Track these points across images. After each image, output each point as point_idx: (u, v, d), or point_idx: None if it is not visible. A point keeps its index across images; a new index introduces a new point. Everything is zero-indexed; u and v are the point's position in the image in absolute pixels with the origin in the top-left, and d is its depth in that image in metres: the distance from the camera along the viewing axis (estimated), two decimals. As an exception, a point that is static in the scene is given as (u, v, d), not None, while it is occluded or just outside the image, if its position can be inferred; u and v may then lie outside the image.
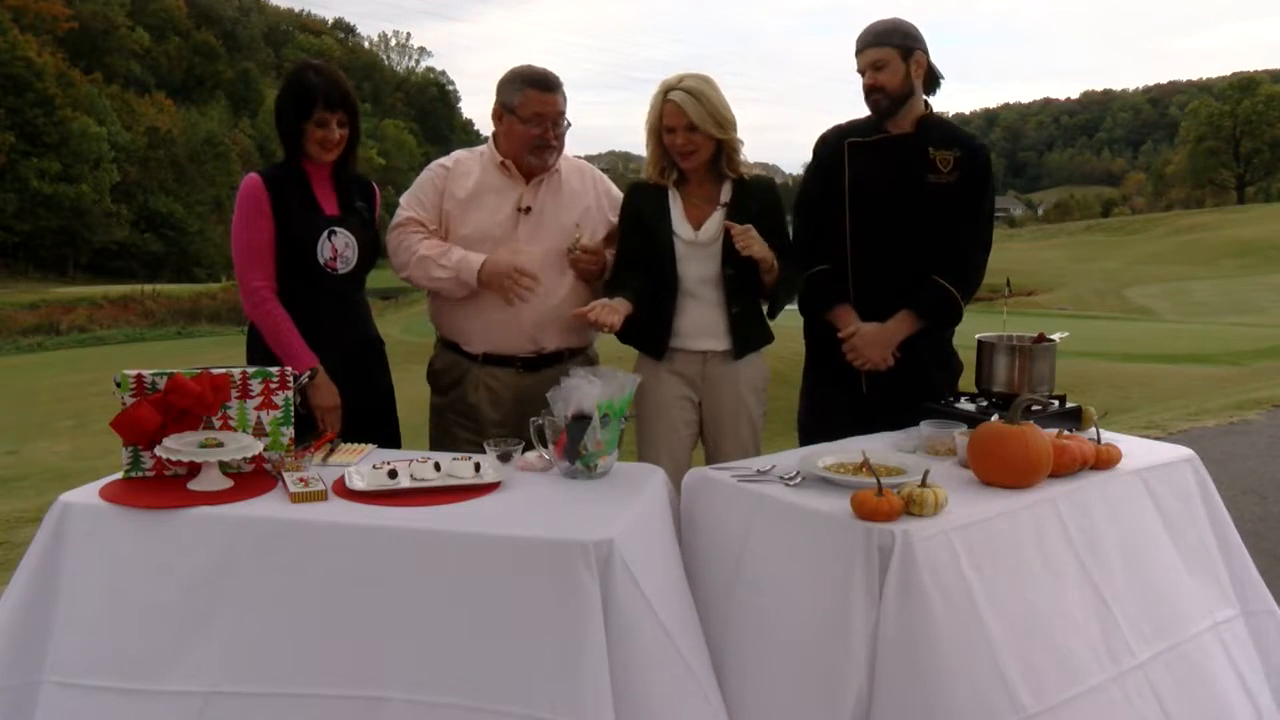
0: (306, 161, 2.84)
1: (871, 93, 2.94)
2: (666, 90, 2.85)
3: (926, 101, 3.02)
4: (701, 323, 2.93)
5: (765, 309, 3.07)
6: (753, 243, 2.78)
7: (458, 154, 3.10)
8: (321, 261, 2.83)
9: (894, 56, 2.90)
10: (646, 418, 2.96)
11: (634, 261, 2.94)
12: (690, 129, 2.82)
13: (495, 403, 2.97)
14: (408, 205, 3.01)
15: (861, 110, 3.04)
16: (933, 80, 3.01)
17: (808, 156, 3.17)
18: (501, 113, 2.95)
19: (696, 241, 2.91)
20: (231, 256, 2.88)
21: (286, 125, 2.81)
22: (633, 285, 2.87)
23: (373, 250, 2.95)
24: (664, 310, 2.92)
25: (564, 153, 3.04)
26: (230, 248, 2.90)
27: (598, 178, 3.17)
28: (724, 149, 2.91)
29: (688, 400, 2.98)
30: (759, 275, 2.90)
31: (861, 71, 2.96)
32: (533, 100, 2.88)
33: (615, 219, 3.08)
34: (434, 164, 3.08)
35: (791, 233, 3.13)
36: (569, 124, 2.96)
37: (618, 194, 3.14)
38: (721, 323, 2.94)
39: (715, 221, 2.92)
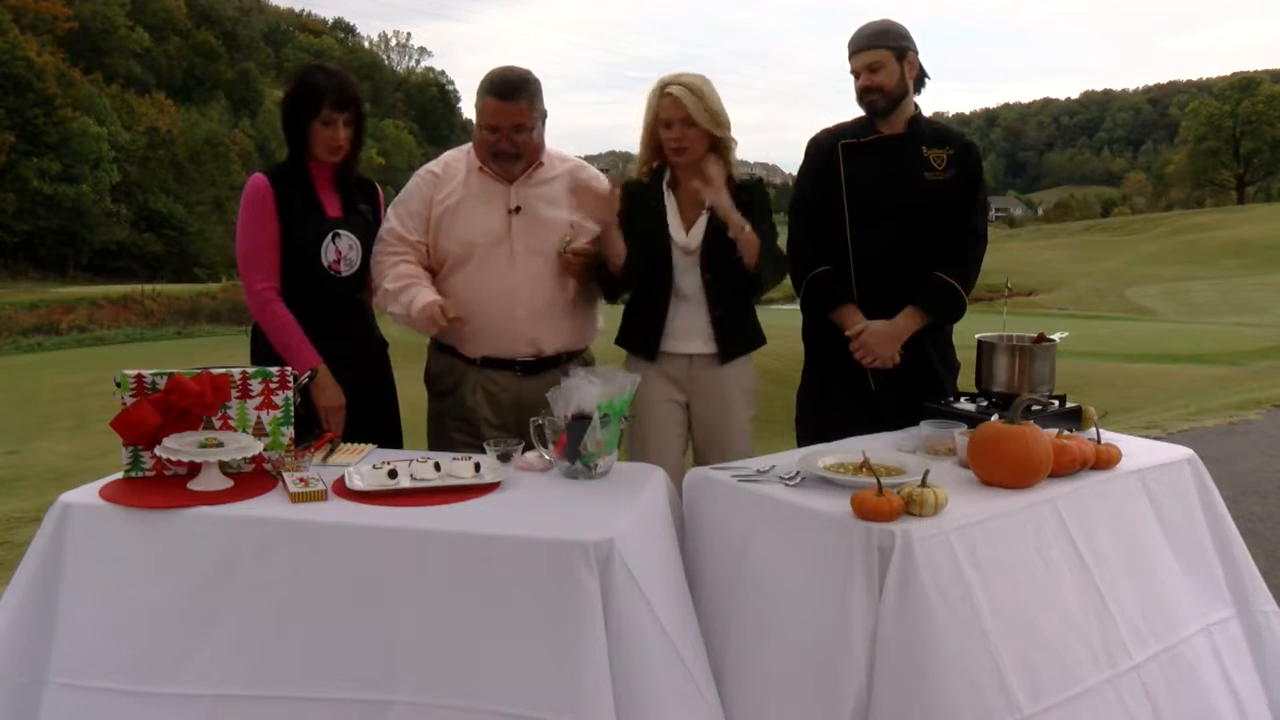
0: (311, 162, 2.85)
1: (868, 93, 2.96)
2: (664, 85, 2.85)
3: (915, 103, 3.04)
4: (689, 325, 2.94)
5: (753, 291, 2.99)
6: (720, 195, 2.74)
7: (447, 157, 3.05)
8: (325, 264, 2.83)
9: (889, 58, 2.93)
10: (637, 419, 2.93)
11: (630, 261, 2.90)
12: (686, 123, 2.82)
13: (494, 406, 2.96)
14: (393, 215, 2.96)
15: (859, 110, 3.05)
16: (920, 80, 3.04)
17: (805, 156, 3.17)
18: (476, 116, 2.93)
19: (687, 246, 2.91)
20: (235, 257, 2.88)
21: (292, 123, 2.82)
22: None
23: None
24: (657, 312, 2.92)
25: (563, 153, 3.04)
26: (233, 248, 2.90)
27: (594, 177, 3.15)
28: (718, 147, 2.90)
29: (675, 403, 2.98)
30: (741, 270, 2.86)
31: (855, 73, 2.98)
32: (489, 108, 2.83)
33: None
34: (423, 170, 3.03)
35: (787, 236, 3.14)
36: (536, 129, 2.88)
37: None
38: (706, 326, 2.94)
39: (701, 227, 2.92)
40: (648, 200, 2.94)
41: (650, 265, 2.90)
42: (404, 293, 2.84)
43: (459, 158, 3.02)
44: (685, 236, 2.91)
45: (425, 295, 2.81)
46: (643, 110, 2.94)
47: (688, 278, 2.92)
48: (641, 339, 2.95)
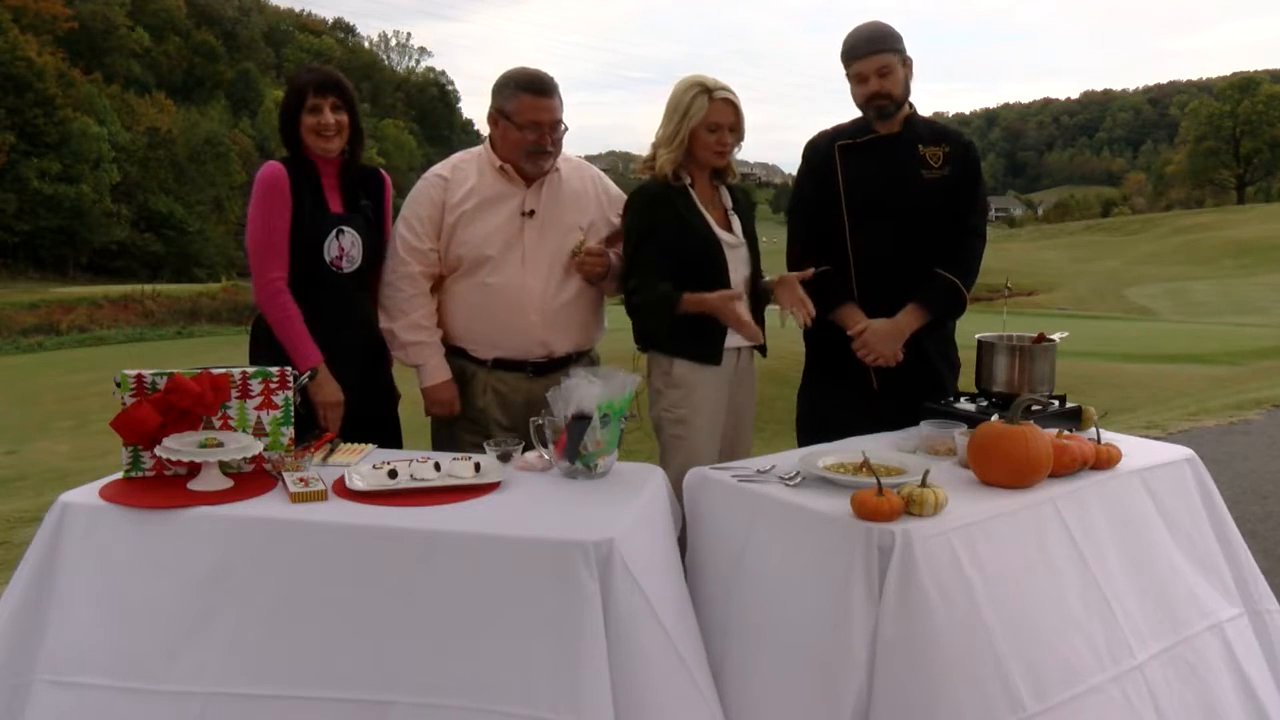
0: (314, 159, 2.85)
1: (878, 98, 2.93)
2: (711, 90, 2.83)
3: (910, 102, 3.04)
4: None
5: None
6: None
7: (454, 160, 3.03)
8: (327, 259, 2.83)
9: (895, 62, 2.92)
10: (697, 421, 2.86)
11: (672, 264, 2.83)
12: (733, 129, 2.87)
13: (505, 407, 2.95)
14: (402, 225, 2.94)
15: (858, 111, 3.04)
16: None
17: (805, 157, 3.17)
18: (497, 118, 2.91)
19: (739, 244, 2.95)
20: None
21: (286, 124, 2.84)
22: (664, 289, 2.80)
23: (378, 250, 2.95)
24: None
25: (564, 153, 3.03)
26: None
27: (597, 176, 3.15)
28: None
29: (722, 402, 2.95)
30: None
31: (863, 78, 2.93)
32: (527, 106, 2.84)
33: (617, 218, 3.05)
34: (430, 174, 3.00)
35: (787, 236, 3.15)
36: (566, 128, 2.92)
37: (618, 193, 3.13)
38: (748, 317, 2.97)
39: (736, 221, 2.98)
40: (683, 204, 2.90)
41: (704, 266, 2.86)
42: (415, 351, 2.93)
43: (468, 160, 3.01)
44: (728, 233, 2.93)
45: (433, 369, 2.92)
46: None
47: (738, 272, 2.93)
48: (705, 342, 2.87)
